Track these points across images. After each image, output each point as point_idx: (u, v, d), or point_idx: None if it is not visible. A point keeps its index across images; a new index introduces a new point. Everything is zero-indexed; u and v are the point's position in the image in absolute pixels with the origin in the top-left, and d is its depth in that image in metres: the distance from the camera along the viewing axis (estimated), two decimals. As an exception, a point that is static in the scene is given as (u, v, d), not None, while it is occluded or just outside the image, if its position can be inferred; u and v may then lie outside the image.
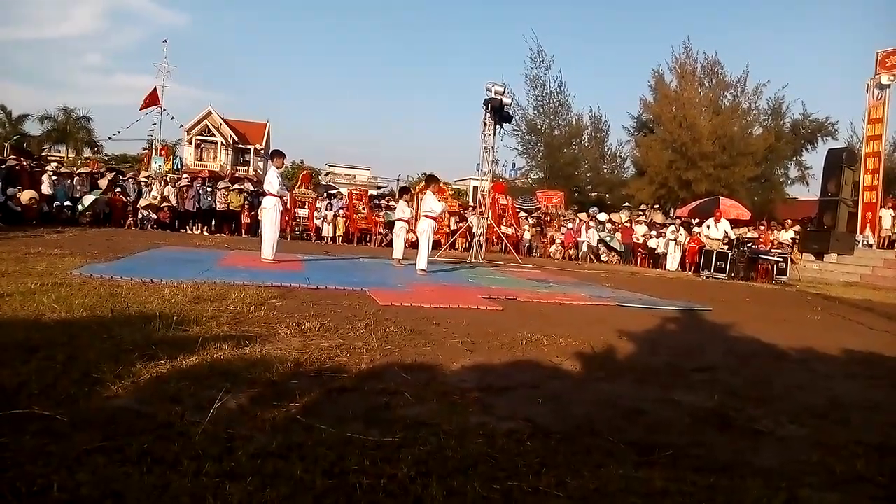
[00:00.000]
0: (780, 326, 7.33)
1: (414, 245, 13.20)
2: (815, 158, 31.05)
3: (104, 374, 2.89)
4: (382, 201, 24.20)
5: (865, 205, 19.16)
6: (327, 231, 21.12)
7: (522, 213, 25.29)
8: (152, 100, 25.23)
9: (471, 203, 27.79)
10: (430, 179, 12.15)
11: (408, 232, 13.34)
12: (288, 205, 18.49)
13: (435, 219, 11.37)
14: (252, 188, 21.70)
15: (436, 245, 14.81)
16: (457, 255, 18.07)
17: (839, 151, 19.25)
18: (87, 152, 46.61)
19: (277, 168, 10.28)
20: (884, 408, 3.70)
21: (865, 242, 18.72)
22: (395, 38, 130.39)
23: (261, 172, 45.33)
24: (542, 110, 32.98)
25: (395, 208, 15.57)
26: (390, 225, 17.90)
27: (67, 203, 17.28)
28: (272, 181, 10.04)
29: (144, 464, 1.99)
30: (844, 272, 17.57)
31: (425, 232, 10.91)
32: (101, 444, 2.11)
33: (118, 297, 5.08)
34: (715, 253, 16.63)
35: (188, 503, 1.76)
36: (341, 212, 21.50)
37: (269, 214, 10.03)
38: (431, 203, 11.00)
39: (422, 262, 10.61)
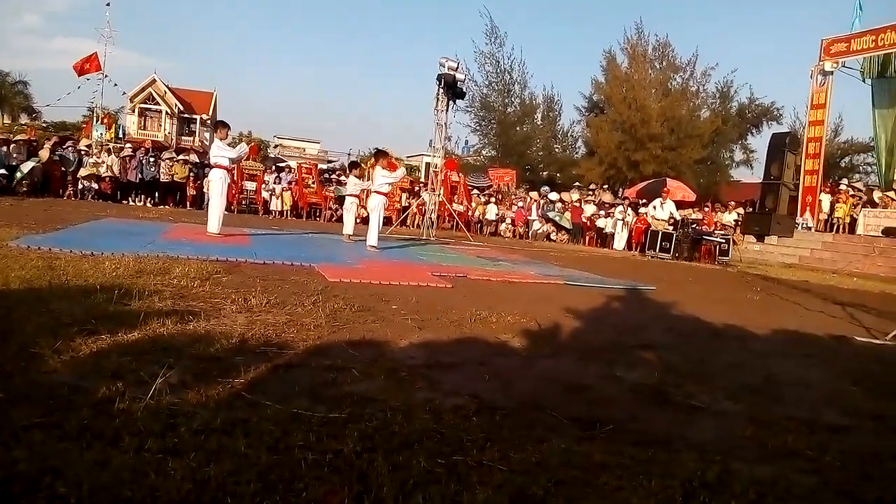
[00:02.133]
0: (721, 306, 7.57)
1: (364, 221, 13.16)
2: (759, 142, 32.02)
3: (42, 348, 2.80)
4: (333, 175, 23.91)
5: (806, 188, 19.78)
6: (275, 205, 20.79)
7: (475, 191, 25.36)
8: (91, 65, 24.30)
9: (423, 179, 27.75)
10: (380, 154, 11.96)
11: (358, 207, 13.27)
12: (235, 177, 18.15)
13: (386, 194, 11.31)
14: (197, 159, 21.14)
15: (387, 221, 14.78)
16: (408, 232, 18.06)
17: (783, 136, 19.82)
18: (23, 119, 44.84)
19: (221, 139, 10.05)
20: (815, 385, 3.87)
21: (805, 225, 19.36)
22: (350, 7, 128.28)
23: (206, 143, 44.24)
24: (495, 87, 33.04)
25: (345, 183, 15.43)
26: (340, 200, 17.76)
27: (3, 171, 16.55)
28: (218, 154, 9.80)
29: (84, 440, 1.95)
30: (784, 254, 18.20)
31: (376, 208, 10.86)
32: (39, 420, 2.06)
33: (57, 270, 4.92)
34: (660, 233, 17.02)
35: (129, 479, 1.74)
36: (290, 185, 21.17)
37: (217, 187, 9.82)
38: (384, 176, 10.93)
39: (372, 238, 10.57)
